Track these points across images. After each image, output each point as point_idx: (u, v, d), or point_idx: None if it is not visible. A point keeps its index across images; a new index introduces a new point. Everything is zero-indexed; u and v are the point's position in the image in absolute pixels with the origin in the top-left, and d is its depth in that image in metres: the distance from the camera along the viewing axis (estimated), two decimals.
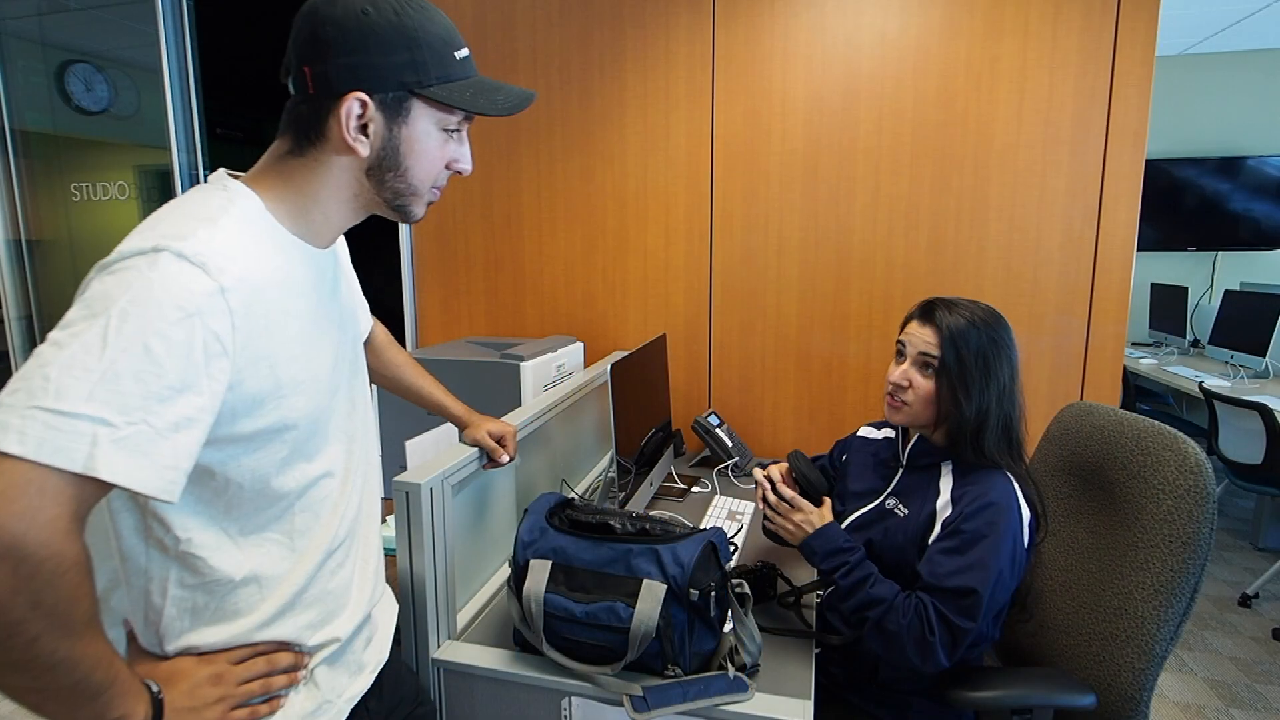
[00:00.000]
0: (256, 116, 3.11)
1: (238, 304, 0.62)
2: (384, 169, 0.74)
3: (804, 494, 1.25)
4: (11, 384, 0.54)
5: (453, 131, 0.77)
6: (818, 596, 1.31)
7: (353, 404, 0.85)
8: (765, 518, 1.29)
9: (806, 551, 1.19)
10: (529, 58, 2.28)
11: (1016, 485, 1.12)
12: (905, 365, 1.20)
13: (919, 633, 1.05)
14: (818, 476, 1.26)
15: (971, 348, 1.13)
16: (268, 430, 0.69)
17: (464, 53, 0.75)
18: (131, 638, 0.73)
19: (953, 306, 1.17)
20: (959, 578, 1.06)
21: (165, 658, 0.71)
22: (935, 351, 1.15)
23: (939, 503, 1.16)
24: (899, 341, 1.22)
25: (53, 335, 0.56)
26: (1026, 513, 1.11)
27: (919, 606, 1.07)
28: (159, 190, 3.07)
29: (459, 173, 0.80)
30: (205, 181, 0.74)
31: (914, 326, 1.20)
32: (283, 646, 0.76)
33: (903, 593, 1.10)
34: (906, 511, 1.20)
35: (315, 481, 0.77)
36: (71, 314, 0.57)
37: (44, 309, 3.25)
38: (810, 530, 1.19)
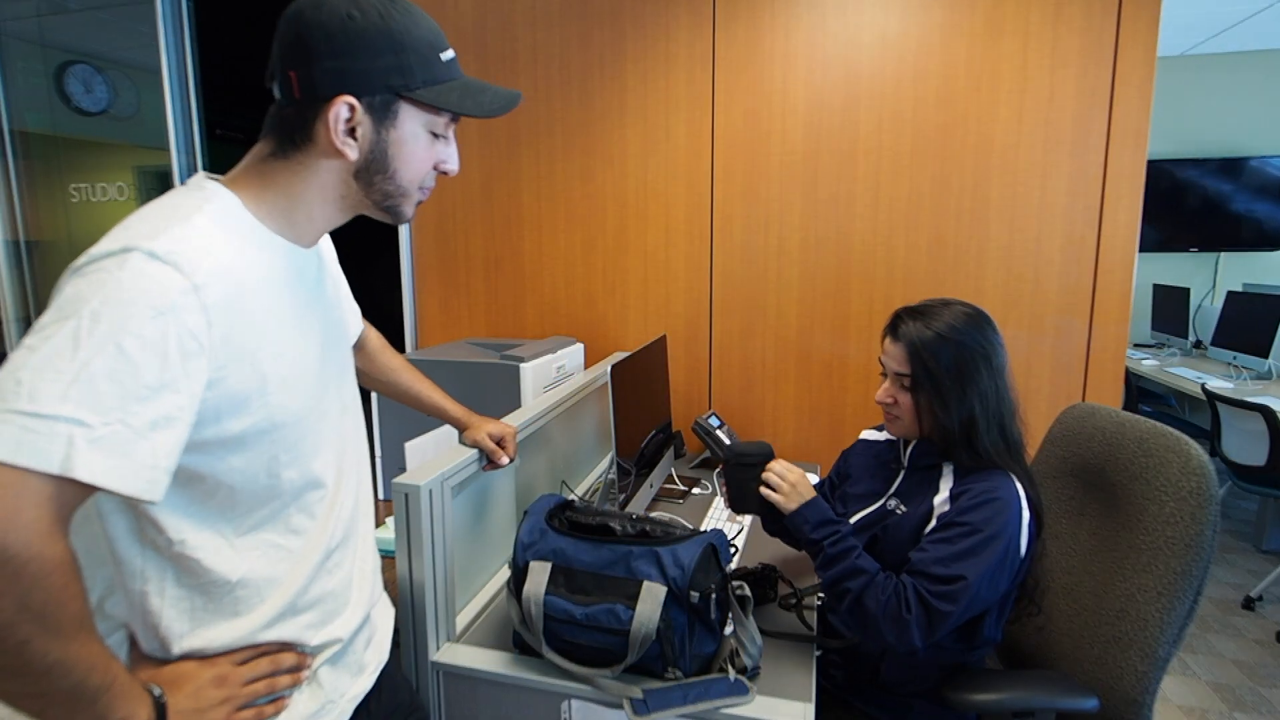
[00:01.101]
0: (256, 117, 3.05)
1: (212, 300, 0.62)
2: (372, 171, 0.74)
3: (760, 464, 1.24)
4: None
5: (439, 134, 0.77)
6: (819, 599, 1.30)
7: (343, 405, 0.85)
8: (741, 497, 1.26)
9: (799, 520, 1.16)
10: (529, 58, 2.28)
11: (1020, 487, 1.11)
12: (887, 383, 1.20)
13: (895, 610, 1.05)
14: (755, 447, 1.25)
15: (941, 360, 1.12)
16: (254, 429, 0.68)
17: (449, 54, 0.75)
18: (133, 643, 0.73)
19: (920, 316, 1.16)
20: (946, 565, 1.05)
21: (169, 662, 0.71)
22: (905, 369, 1.15)
23: (937, 499, 1.15)
24: (880, 359, 1.22)
25: (26, 340, 0.55)
26: (1027, 514, 1.10)
27: (898, 586, 1.07)
28: (158, 191, 3.03)
29: (446, 173, 0.80)
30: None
31: (887, 344, 1.20)
32: (286, 647, 0.76)
33: (885, 572, 1.10)
34: (906, 510, 1.20)
35: (309, 483, 0.76)
36: (44, 318, 0.57)
37: (43, 310, 3.25)
38: (802, 500, 1.18)
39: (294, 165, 0.72)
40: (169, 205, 0.67)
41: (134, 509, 0.67)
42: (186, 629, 0.70)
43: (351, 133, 0.71)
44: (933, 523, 1.13)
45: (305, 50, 0.68)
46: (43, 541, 0.53)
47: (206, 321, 0.61)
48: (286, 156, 0.72)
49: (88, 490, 0.55)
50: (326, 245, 0.89)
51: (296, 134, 0.71)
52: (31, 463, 0.52)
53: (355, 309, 1.03)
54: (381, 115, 0.71)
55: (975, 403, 1.12)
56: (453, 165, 0.80)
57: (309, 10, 0.68)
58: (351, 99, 0.69)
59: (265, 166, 0.73)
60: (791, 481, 1.20)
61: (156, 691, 0.65)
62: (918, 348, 1.13)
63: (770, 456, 1.24)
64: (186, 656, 0.71)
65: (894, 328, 1.18)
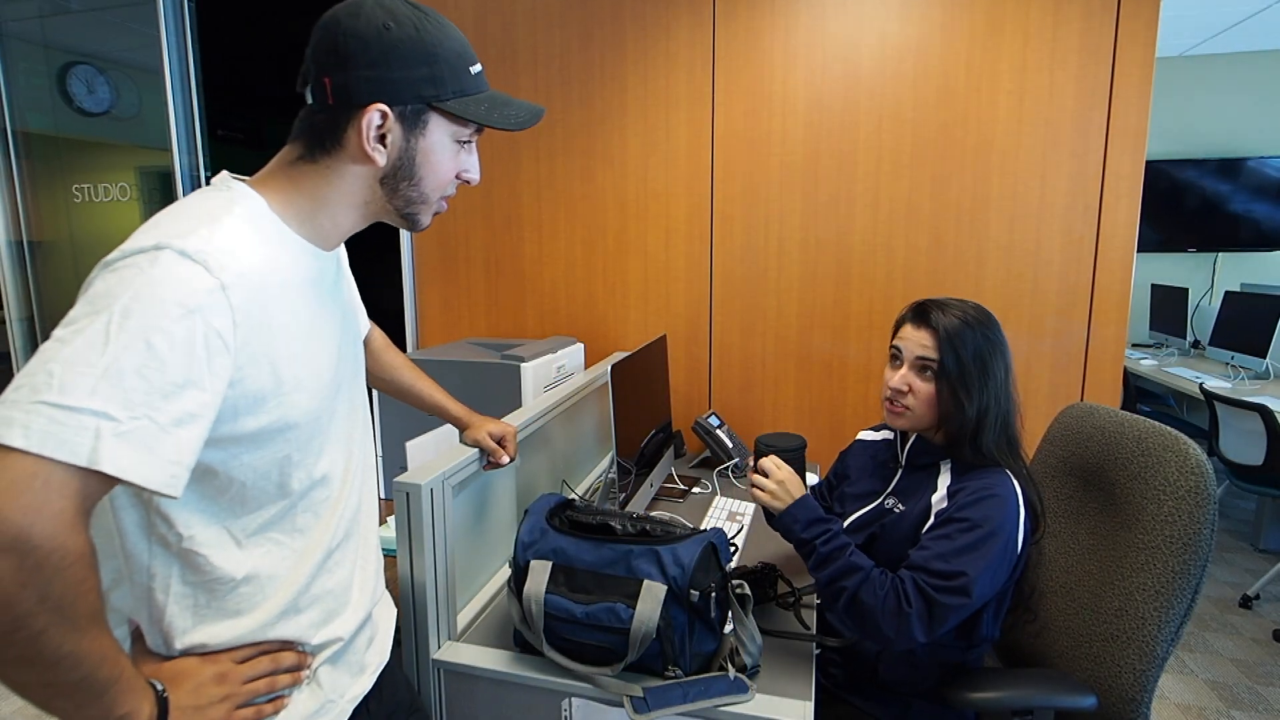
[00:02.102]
0: (257, 118, 3.12)
1: (239, 301, 0.63)
2: (399, 178, 0.76)
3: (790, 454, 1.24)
4: (16, 381, 0.54)
5: (464, 143, 0.79)
6: (818, 598, 1.30)
7: (352, 404, 0.86)
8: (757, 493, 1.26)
9: (789, 521, 1.16)
10: (529, 58, 2.28)
11: (1018, 484, 1.12)
12: (903, 369, 1.19)
13: (894, 604, 1.04)
14: (787, 440, 1.25)
15: (969, 348, 1.13)
16: (270, 428, 0.69)
17: (478, 68, 0.78)
18: (136, 638, 0.74)
19: (945, 307, 1.17)
20: (947, 560, 1.05)
21: (171, 657, 0.72)
22: (933, 354, 1.15)
23: (934, 497, 1.16)
24: (894, 346, 1.22)
25: (56, 332, 0.56)
26: (1024, 512, 1.11)
27: (896, 581, 1.07)
28: (160, 191, 3.08)
29: (468, 182, 0.83)
30: (207, 183, 0.74)
31: (908, 330, 1.20)
32: (286, 646, 0.77)
33: (879, 568, 1.09)
34: (903, 508, 1.20)
35: (317, 481, 0.77)
36: (75, 311, 0.58)
37: (45, 310, 3.26)
38: (791, 499, 1.17)
39: (322, 169, 0.74)
40: (198, 204, 0.68)
41: (145, 504, 0.68)
42: (189, 625, 0.71)
43: (381, 140, 0.72)
44: (930, 520, 1.13)
45: (341, 57, 0.69)
46: (66, 533, 0.53)
47: (232, 322, 0.62)
48: (315, 160, 0.74)
49: (111, 483, 0.56)
50: (340, 247, 0.90)
51: (327, 139, 0.73)
52: (59, 454, 0.52)
53: (363, 308, 1.05)
54: (412, 124, 0.73)
55: (991, 395, 1.13)
56: (475, 175, 0.83)
57: (346, 19, 0.70)
58: (384, 107, 0.71)
59: (293, 170, 0.74)
60: (779, 479, 1.19)
61: (159, 687, 0.66)
62: (950, 334, 1.14)
63: (801, 450, 1.24)
64: (188, 652, 0.71)
65: (922, 315, 1.18)
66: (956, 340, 1.14)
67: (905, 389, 1.18)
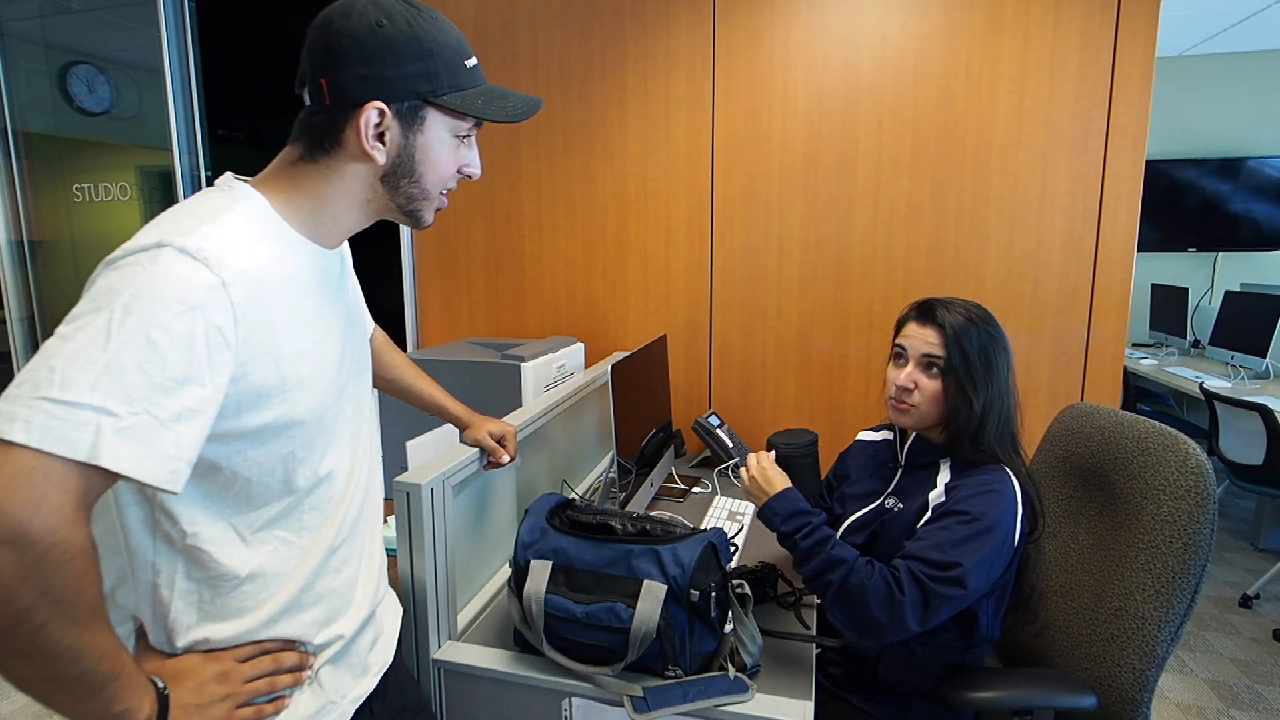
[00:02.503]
0: (257, 118, 3.12)
1: (240, 298, 0.63)
2: (399, 175, 0.76)
3: (800, 452, 1.25)
4: (19, 377, 0.55)
5: (464, 137, 0.79)
6: (818, 597, 1.30)
7: (358, 403, 0.86)
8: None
9: (767, 514, 1.16)
10: (529, 58, 2.28)
11: (1016, 482, 1.12)
12: (909, 367, 1.19)
13: (884, 593, 1.03)
14: (793, 436, 1.26)
15: (974, 344, 1.14)
16: (274, 425, 0.70)
17: (473, 61, 0.78)
18: (140, 635, 0.74)
19: (949, 305, 1.18)
20: (944, 551, 1.05)
21: (173, 655, 0.72)
22: (940, 351, 1.15)
23: (933, 494, 1.16)
24: (898, 344, 1.22)
25: (59, 329, 0.57)
26: (1021, 509, 1.11)
27: (887, 570, 1.06)
28: (160, 191, 3.08)
29: (469, 176, 0.83)
30: (208, 183, 0.74)
31: (913, 328, 1.20)
32: (288, 645, 0.77)
33: (865, 558, 1.09)
34: (902, 506, 1.20)
35: (322, 479, 0.77)
36: (78, 309, 0.58)
37: (46, 310, 3.26)
38: (772, 492, 1.17)
39: (322, 169, 0.74)
40: (200, 204, 0.69)
41: (149, 500, 0.68)
42: (193, 621, 0.71)
43: (380, 138, 0.73)
44: (928, 514, 1.14)
45: (335, 57, 0.70)
46: (67, 527, 0.54)
47: (233, 318, 0.63)
48: (315, 160, 0.74)
49: (112, 478, 0.56)
50: (344, 246, 0.91)
51: (326, 139, 0.73)
52: (60, 449, 0.53)
53: (366, 308, 1.05)
54: (409, 121, 0.74)
55: (995, 392, 1.14)
56: (475, 169, 0.83)
57: (338, 19, 0.70)
58: (381, 104, 0.71)
59: (294, 170, 0.75)
60: (751, 474, 1.19)
61: (160, 684, 0.66)
62: (957, 331, 1.14)
63: (813, 445, 1.24)
64: (191, 648, 0.72)
65: (927, 312, 1.18)
66: (963, 337, 1.14)
67: (912, 386, 1.18)
